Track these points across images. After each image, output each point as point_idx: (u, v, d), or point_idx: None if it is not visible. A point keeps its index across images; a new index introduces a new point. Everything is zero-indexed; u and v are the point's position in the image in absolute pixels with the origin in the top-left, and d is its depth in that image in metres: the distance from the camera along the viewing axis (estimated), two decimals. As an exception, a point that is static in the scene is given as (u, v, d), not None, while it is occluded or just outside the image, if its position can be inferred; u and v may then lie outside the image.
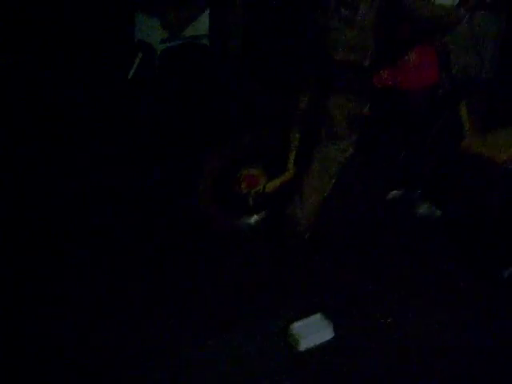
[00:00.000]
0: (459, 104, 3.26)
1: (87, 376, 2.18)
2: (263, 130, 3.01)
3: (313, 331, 2.40)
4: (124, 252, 2.85)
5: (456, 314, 2.58)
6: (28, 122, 4.13)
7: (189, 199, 2.97)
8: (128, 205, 3.25)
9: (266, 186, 3.01)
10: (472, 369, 2.31)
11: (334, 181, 2.89)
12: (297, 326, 2.41)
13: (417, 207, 3.29)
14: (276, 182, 3.03)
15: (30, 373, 2.19)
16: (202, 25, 5.19)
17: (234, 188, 3.01)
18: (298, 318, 2.46)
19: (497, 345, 2.42)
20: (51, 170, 3.56)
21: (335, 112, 2.76)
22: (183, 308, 2.53)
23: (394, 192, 3.46)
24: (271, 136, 3.01)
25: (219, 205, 3.01)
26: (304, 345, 2.35)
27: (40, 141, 3.87)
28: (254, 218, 3.11)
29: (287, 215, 2.88)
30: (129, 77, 5.26)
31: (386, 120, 3.28)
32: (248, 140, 2.96)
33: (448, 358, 2.35)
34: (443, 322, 2.54)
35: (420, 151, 3.39)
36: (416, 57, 3.10)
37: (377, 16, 2.61)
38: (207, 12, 5.16)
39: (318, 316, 2.48)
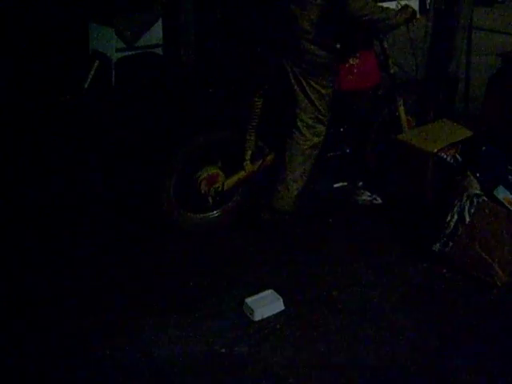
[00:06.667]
0: (397, 102, 3.58)
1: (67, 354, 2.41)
2: (219, 132, 3.16)
3: (265, 304, 2.65)
4: (95, 251, 3.08)
5: (394, 283, 2.87)
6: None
7: (152, 201, 3.13)
8: (95, 206, 3.49)
9: (224, 184, 3.17)
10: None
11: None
12: (251, 300, 2.66)
13: (359, 196, 3.59)
14: (234, 180, 3.21)
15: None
16: (155, 34, 5.40)
17: (194, 187, 3.15)
18: (252, 295, 2.70)
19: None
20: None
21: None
22: (152, 294, 2.79)
23: (339, 184, 3.77)
24: (227, 137, 3.18)
25: (181, 204, 3.14)
26: (258, 316, 2.60)
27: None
28: (213, 214, 3.26)
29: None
30: (85, 86, 5.41)
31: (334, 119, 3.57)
32: (204, 142, 3.10)
33: (390, 323, 2.63)
34: (384, 291, 2.81)
35: (363, 146, 3.70)
36: (359, 61, 3.39)
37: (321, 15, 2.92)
38: (160, 22, 5.38)
39: (269, 291, 2.73)
